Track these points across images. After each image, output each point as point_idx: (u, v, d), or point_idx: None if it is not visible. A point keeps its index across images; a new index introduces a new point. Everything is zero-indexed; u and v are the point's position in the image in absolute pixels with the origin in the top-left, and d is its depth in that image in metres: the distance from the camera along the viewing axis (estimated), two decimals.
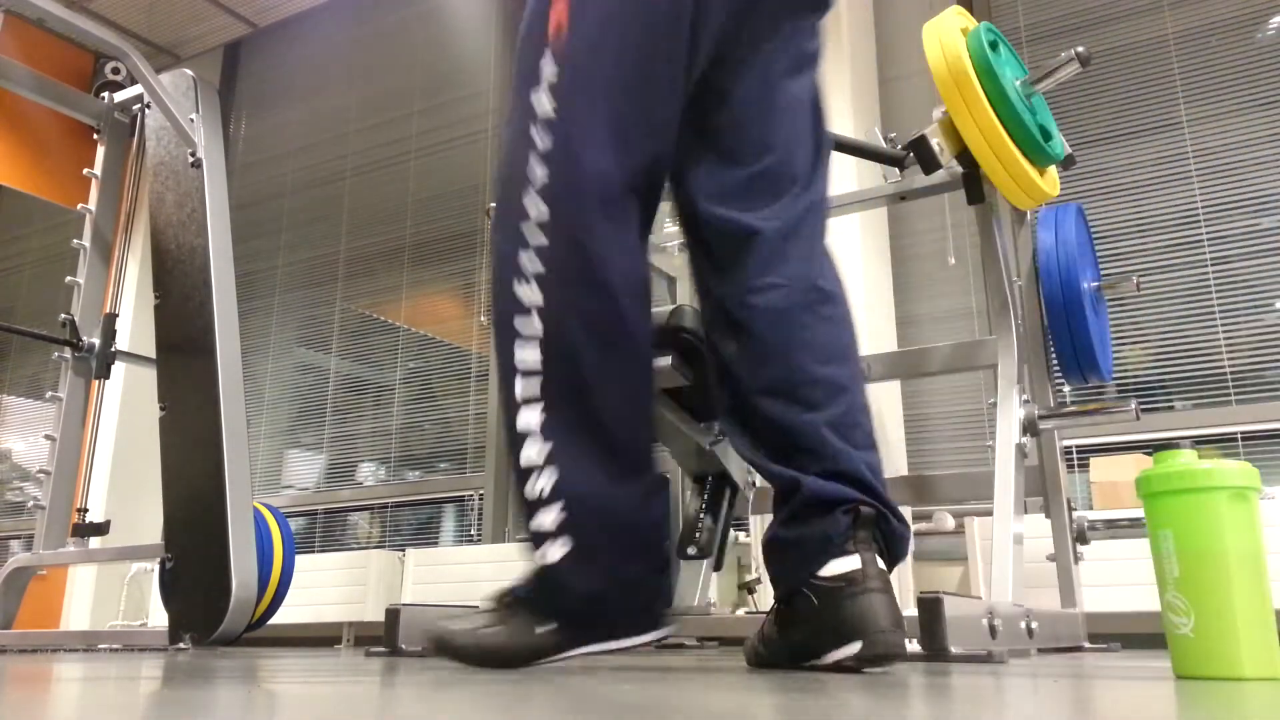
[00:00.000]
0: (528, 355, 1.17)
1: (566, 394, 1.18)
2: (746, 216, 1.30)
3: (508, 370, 1.19)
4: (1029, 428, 2.06)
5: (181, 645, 2.48)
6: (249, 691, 0.95)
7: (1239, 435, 2.89)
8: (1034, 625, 1.80)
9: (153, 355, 2.92)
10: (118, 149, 3.43)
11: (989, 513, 2.03)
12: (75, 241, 3.32)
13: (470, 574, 3.53)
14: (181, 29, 5.41)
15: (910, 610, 1.59)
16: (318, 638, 3.79)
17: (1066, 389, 3.03)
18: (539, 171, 1.19)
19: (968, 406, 3.28)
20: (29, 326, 3.76)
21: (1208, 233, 3.05)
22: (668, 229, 3.13)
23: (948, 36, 2.03)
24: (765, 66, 1.35)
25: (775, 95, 1.35)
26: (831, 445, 1.24)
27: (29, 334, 3.68)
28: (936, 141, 2.01)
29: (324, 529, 4.57)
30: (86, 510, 3.10)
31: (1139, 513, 1.30)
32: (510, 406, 1.18)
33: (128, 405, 4.74)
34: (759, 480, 2.48)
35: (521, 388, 1.17)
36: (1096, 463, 2.93)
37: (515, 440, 1.18)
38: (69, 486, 3.14)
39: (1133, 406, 2.07)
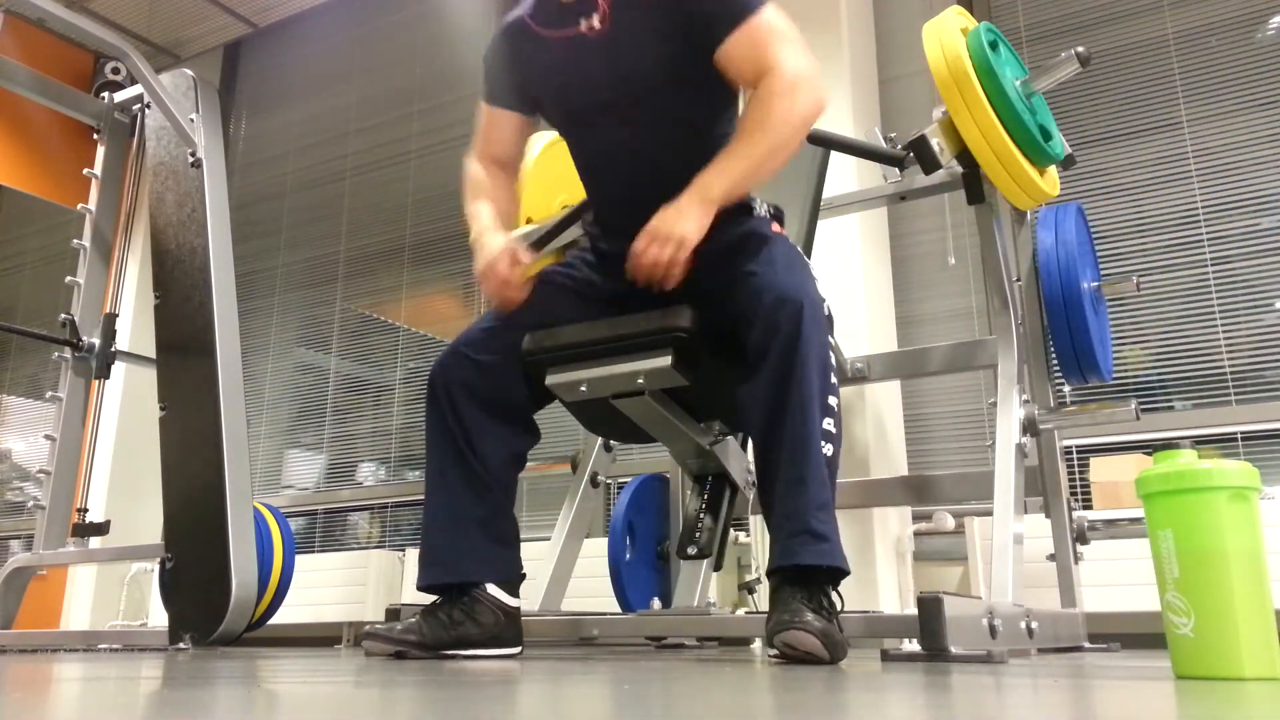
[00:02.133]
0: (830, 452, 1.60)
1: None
2: None
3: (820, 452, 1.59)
4: (1029, 428, 2.06)
5: (181, 645, 2.48)
6: (249, 692, 0.95)
7: (1239, 435, 2.89)
8: (1034, 625, 1.80)
9: (153, 355, 2.92)
10: (118, 149, 3.43)
11: (989, 513, 2.02)
12: (75, 241, 3.32)
13: None
14: (181, 29, 5.41)
15: (910, 610, 1.59)
16: (318, 638, 3.79)
17: (1066, 389, 3.03)
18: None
19: (968, 406, 3.28)
20: (29, 326, 3.76)
21: (1208, 233, 3.05)
22: None
23: (948, 36, 2.03)
24: None
25: None
26: None
27: (29, 334, 3.69)
28: (936, 141, 2.01)
29: (324, 529, 4.57)
30: (86, 510, 3.10)
31: (1139, 513, 1.29)
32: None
33: (128, 405, 4.74)
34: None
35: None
36: (1096, 463, 2.93)
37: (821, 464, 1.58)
38: (69, 486, 3.14)
39: (1133, 406, 2.07)
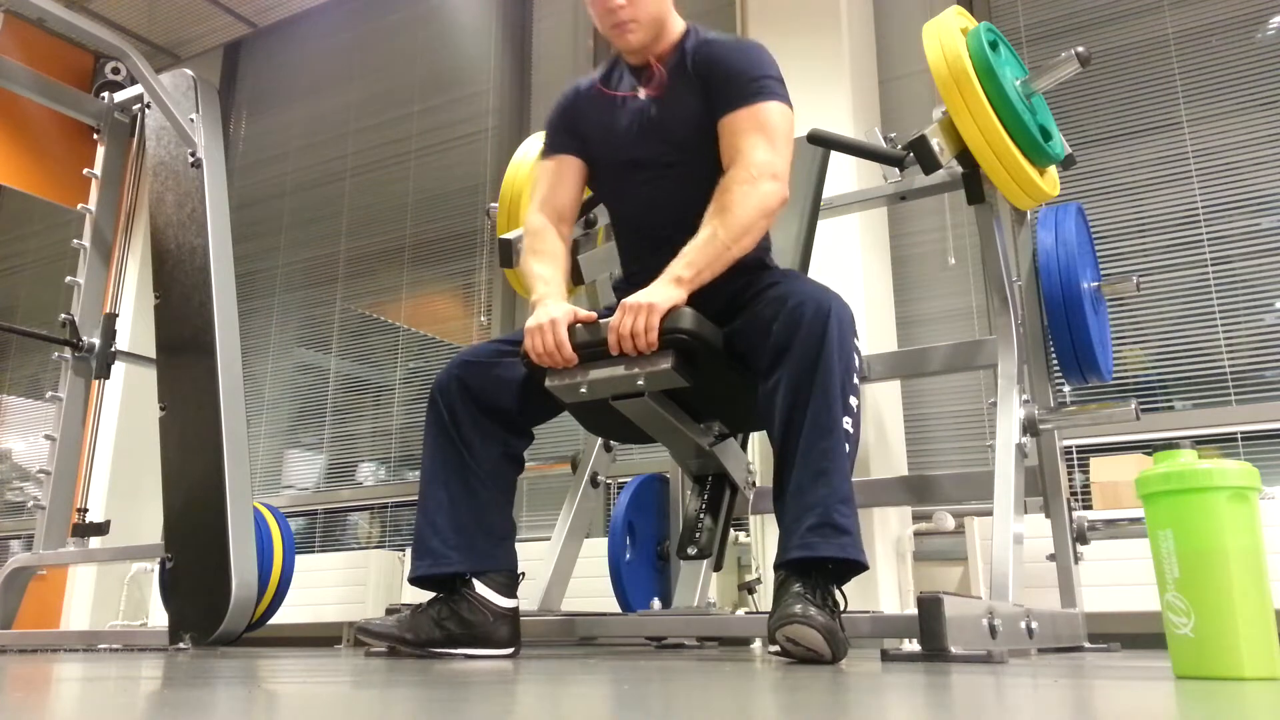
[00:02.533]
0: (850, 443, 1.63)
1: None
2: None
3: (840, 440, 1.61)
4: (1029, 428, 2.06)
5: (181, 645, 2.48)
6: (249, 692, 0.95)
7: (1239, 435, 2.89)
8: (1034, 625, 1.80)
9: (153, 355, 2.92)
10: (118, 149, 3.43)
11: (989, 513, 2.02)
12: (75, 241, 3.32)
13: None
14: (181, 29, 5.41)
15: (910, 610, 1.59)
16: (318, 638, 3.79)
17: (1066, 389, 3.03)
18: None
19: (968, 406, 3.28)
20: (29, 326, 3.76)
21: (1208, 233, 3.05)
22: None
23: (948, 36, 2.03)
24: None
25: None
26: None
27: (29, 334, 3.68)
28: (936, 141, 2.01)
29: (324, 529, 4.57)
30: (86, 510, 3.10)
31: (1139, 513, 1.29)
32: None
33: (128, 405, 4.74)
34: (759, 480, 2.48)
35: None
36: (1096, 463, 2.93)
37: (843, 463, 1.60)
38: (69, 486, 3.14)
39: (1133, 406, 2.07)
